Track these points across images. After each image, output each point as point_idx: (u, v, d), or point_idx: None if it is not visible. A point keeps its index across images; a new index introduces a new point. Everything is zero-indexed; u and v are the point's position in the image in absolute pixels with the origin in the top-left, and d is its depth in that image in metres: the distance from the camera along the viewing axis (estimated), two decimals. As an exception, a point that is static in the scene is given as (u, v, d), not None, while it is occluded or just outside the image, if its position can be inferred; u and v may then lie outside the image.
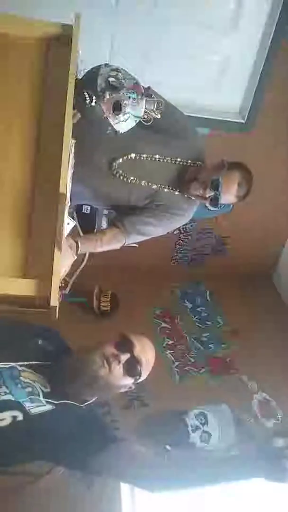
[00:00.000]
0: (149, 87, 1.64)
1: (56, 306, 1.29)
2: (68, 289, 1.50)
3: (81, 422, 1.26)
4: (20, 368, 1.27)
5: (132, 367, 1.30)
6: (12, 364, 1.27)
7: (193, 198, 1.89)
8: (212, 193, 1.81)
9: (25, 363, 1.29)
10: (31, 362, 1.30)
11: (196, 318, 3.85)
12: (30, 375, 1.28)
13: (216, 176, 1.80)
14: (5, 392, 1.22)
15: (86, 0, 2.50)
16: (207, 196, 1.82)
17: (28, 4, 2.40)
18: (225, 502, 2.78)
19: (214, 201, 1.83)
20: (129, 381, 1.31)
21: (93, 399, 1.33)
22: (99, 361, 1.27)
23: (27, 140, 1.45)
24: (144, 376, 1.34)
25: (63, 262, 1.35)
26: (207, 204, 1.87)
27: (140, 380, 1.34)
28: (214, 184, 1.80)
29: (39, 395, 1.24)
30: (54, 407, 1.23)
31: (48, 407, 1.23)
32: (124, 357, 1.29)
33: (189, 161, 1.87)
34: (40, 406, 1.22)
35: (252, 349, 3.49)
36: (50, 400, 1.24)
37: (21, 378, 1.25)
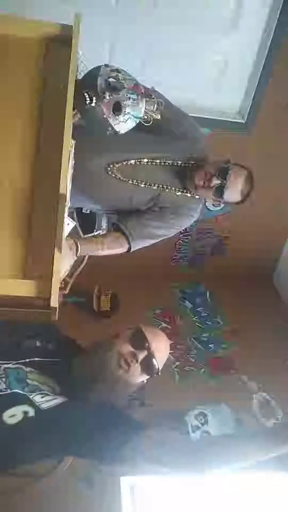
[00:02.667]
0: (153, 88, 1.64)
1: (56, 307, 1.28)
2: (68, 289, 1.50)
3: (99, 413, 1.20)
4: (27, 369, 1.25)
5: (149, 365, 1.28)
6: (18, 364, 1.24)
7: (196, 196, 1.86)
8: (219, 182, 1.75)
9: (27, 360, 1.25)
10: (34, 359, 1.27)
11: (196, 318, 3.85)
12: (38, 377, 1.24)
13: (226, 165, 1.76)
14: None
15: (86, 0, 2.50)
16: (212, 184, 1.76)
17: (28, 4, 2.41)
18: (225, 499, 2.78)
19: (219, 191, 1.77)
20: (145, 377, 1.30)
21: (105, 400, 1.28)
22: (116, 362, 1.24)
23: (27, 140, 1.45)
24: (160, 369, 1.32)
25: (63, 263, 1.35)
26: (210, 196, 1.83)
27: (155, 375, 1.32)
28: (223, 170, 1.75)
29: (48, 395, 1.20)
30: (67, 399, 1.20)
31: (60, 399, 1.20)
32: (142, 355, 1.27)
33: (191, 162, 1.85)
34: (50, 401, 1.18)
35: (252, 349, 3.48)
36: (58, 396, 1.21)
37: (28, 380, 1.22)
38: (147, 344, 1.28)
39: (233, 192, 1.80)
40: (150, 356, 1.28)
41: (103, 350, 1.28)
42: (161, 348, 1.32)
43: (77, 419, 1.18)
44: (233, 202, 1.86)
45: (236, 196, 1.82)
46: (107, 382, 1.24)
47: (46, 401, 1.19)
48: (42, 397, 1.19)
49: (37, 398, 1.18)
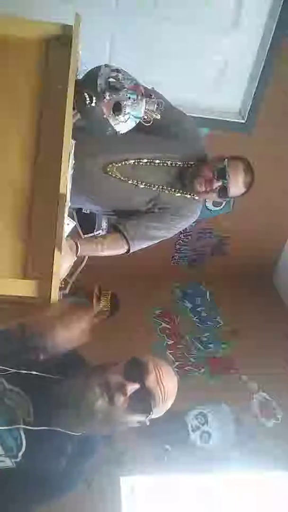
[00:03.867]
0: (152, 88, 1.64)
1: (56, 307, 1.29)
2: (68, 289, 1.50)
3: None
4: (8, 387, 1.09)
5: (140, 402, 1.05)
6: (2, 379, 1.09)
7: (196, 198, 1.86)
8: (220, 183, 1.75)
9: (15, 371, 1.09)
10: (27, 372, 1.09)
11: (196, 318, 3.85)
12: (16, 397, 1.08)
13: (221, 164, 1.76)
14: None
15: (86, 0, 2.50)
16: (214, 187, 1.76)
17: (28, 4, 2.40)
18: (225, 499, 2.78)
19: (223, 191, 1.76)
20: (138, 417, 1.08)
21: (84, 432, 1.10)
22: (97, 391, 1.04)
23: (26, 140, 1.45)
24: (158, 412, 1.09)
25: (63, 263, 1.35)
26: (215, 198, 1.82)
27: (154, 416, 1.09)
28: (221, 172, 1.74)
29: (18, 425, 1.05)
30: (15, 466, 1.04)
31: (8, 463, 1.04)
32: (132, 387, 1.04)
33: (191, 162, 1.84)
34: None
35: (252, 349, 3.48)
36: (37, 422, 1.06)
37: (5, 399, 1.07)
38: (142, 375, 1.05)
39: (237, 187, 1.79)
40: (143, 391, 1.05)
41: (91, 375, 1.09)
42: (162, 383, 1.06)
43: (16, 489, 1.06)
44: (240, 195, 1.84)
45: (240, 190, 1.81)
46: (82, 412, 1.05)
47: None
48: None
49: None
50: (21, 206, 1.38)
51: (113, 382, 1.05)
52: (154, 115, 1.53)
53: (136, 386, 1.05)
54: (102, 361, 1.15)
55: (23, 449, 1.05)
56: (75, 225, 1.52)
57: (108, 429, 1.12)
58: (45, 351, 1.17)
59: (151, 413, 1.07)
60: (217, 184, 1.76)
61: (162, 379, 1.07)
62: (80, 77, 1.52)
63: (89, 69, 1.50)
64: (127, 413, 1.06)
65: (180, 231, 1.95)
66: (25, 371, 1.10)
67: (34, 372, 1.10)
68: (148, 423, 1.10)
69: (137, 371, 1.06)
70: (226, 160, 1.77)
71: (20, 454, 1.05)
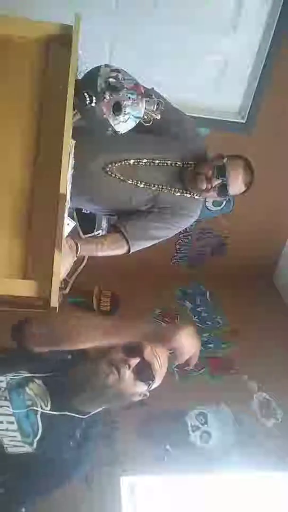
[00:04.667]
0: (152, 88, 1.64)
1: (56, 307, 1.28)
2: (68, 289, 1.50)
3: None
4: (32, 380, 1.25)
5: (143, 372, 1.22)
6: (26, 374, 1.24)
7: (196, 197, 1.86)
8: (219, 181, 1.75)
9: (37, 375, 1.25)
10: (45, 375, 1.25)
11: (196, 318, 3.85)
12: (37, 388, 1.24)
13: (220, 162, 1.76)
14: (5, 397, 1.20)
15: (86, 0, 2.50)
16: (214, 185, 1.75)
17: (28, 4, 2.40)
18: (225, 499, 2.78)
19: (223, 189, 1.76)
20: (142, 387, 1.24)
21: (98, 410, 1.28)
22: (106, 369, 1.20)
23: (27, 140, 1.45)
24: (158, 381, 1.26)
25: (63, 263, 1.35)
26: (214, 197, 1.82)
27: (154, 386, 1.26)
28: (220, 169, 1.74)
29: (36, 413, 1.20)
30: (34, 450, 1.19)
31: (28, 448, 1.19)
32: (134, 361, 1.21)
33: (191, 162, 1.84)
34: (19, 447, 1.19)
35: (252, 349, 3.48)
36: (49, 412, 1.21)
37: (26, 388, 1.22)
38: (139, 350, 1.23)
39: (236, 185, 1.79)
40: (143, 362, 1.22)
41: (95, 358, 1.25)
42: (157, 355, 1.25)
43: (35, 474, 1.20)
44: (240, 193, 1.84)
45: (240, 188, 1.81)
46: (96, 391, 1.22)
47: (13, 445, 1.19)
48: (10, 441, 1.19)
49: (5, 441, 1.19)
50: (21, 206, 1.38)
51: (117, 359, 1.21)
52: (154, 115, 1.53)
53: (137, 359, 1.22)
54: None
55: (39, 434, 1.20)
56: (75, 225, 1.52)
57: (118, 402, 1.28)
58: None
59: (154, 380, 1.24)
60: (216, 182, 1.76)
61: (156, 351, 1.25)
62: (80, 77, 1.52)
63: (89, 69, 1.50)
64: (134, 383, 1.21)
65: (180, 231, 1.95)
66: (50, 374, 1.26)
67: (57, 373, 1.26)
68: (148, 394, 1.27)
69: (135, 347, 1.23)
70: (225, 158, 1.77)
71: (35, 440, 1.20)
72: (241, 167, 1.78)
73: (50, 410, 1.21)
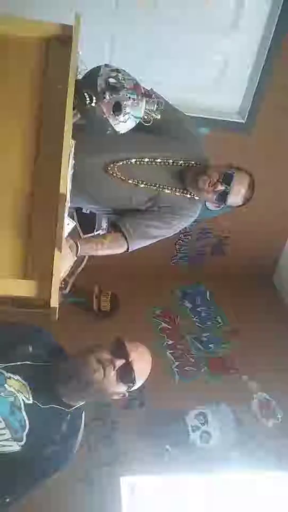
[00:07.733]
0: (151, 89, 1.64)
1: (56, 307, 1.29)
2: (68, 289, 1.50)
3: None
4: (7, 375, 1.26)
5: (126, 374, 1.27)
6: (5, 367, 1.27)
7: (196, 197, 1.87)
8: (223, 187, 1.76)
9: (12, 364, 1.28)
10: (23, 363, 1.29)
11: (196, 318, 3.85)
12: (16, 383, 1.27)
13: (230, 170, 1.78)
14: None
15: (86, 0, 2.50)
16: (217, 189, 1.77)
17: (28, 4, 2.40)
18: (225, 499, 2.78)
19: (223, 197, 1.78)
20: (122, 388, 1.29)
21: (81, 404, 1.33)
22: (94, 365, 1.25)
23: (27, 140, 1.45)
24: (137, 384, 1.30)
25: (63, 263, 1.35)
26: (212, 200, 1.83)
27: (133, 389, 1.31)
28: (228, 177, 1.76)
29: (20, 408, 1.24)
30: (21, 449, 1.23)
31: (15, 447, 1.23)
32: (119, 362, 1.26)
33: (191, 162, 1.85)
34: (7, 446, 1.22)
35: (252, 349, 3.48)
36: (36, 403, 1.25)
37: (5, 386, 1.25)
38: (125, 353, 1.27)
39: (236, 198, 1.82)
40: (127, 365, 1.26)
41: (83, 354, 1.30)
42: (140, 361, 1.29)
43: (22, 471, 1.26)
44: (234, 205, 1.88)
45: (237, 201, 1.84)
46: (81, 383, 1.27)
47: (2, 445, 1.22)
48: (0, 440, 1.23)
49: None
50: (21, 206, 1.38)
51: (103, 358, 1.26)
52: (154, 115, 1.53)
53: (122, 361, 1.27)
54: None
55: (27, 429, 1.24)
56: (75, 225, 1.52)
57: (98, 398, 1.36)
58: (33, 344, 1.36)
59: (134, 383, 1.28)
60: (220, 188, 1.77)
61: (140, 358, 1.29)
62: (80, 77, 1.52)
63: (89, 69, 1.51)
64: (116, 384, 1.27)
65: (180, 231, 1.95)
66: (20, 362, 1.30)
67: (28, 362, 1.31)
68: (127, 395, 1.32)
69: (121, 349, 1.28)
70: (234, 168, 1.80)
71: (24, 434, 1.24)
72: (247, 183, 1.81)
73: (33, 403, 1.26)
